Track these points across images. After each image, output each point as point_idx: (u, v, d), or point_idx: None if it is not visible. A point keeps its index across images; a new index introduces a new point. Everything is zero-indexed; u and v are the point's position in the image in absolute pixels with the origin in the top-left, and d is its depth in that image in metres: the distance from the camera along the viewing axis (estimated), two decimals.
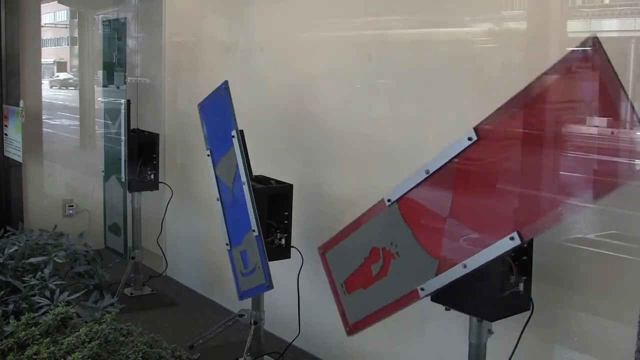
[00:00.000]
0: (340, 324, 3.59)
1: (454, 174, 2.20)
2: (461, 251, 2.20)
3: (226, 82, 3.17)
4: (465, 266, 2.19)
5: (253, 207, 3.15)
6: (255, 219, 3.16)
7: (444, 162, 2.22)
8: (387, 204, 2.41)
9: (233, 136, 3.17)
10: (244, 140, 3.21)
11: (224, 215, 3.36)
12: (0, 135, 5.39)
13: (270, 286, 3.17)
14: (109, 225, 4.94)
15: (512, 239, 2.06)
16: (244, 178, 3.17)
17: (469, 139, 2.12)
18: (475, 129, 2.11)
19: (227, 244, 3.35)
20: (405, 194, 2.36)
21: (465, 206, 2.20)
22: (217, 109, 3.28)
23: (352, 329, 2.69)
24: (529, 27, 2.73)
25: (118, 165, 4.67)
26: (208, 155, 3.37)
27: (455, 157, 2.18)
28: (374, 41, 3.32)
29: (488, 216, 2.16)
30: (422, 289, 2.34)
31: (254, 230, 3.18)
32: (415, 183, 2.31)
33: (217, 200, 3.37)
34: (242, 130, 3.20)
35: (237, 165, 3.18)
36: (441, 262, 2.26)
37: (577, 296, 2.52)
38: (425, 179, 2.28)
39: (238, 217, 3.27)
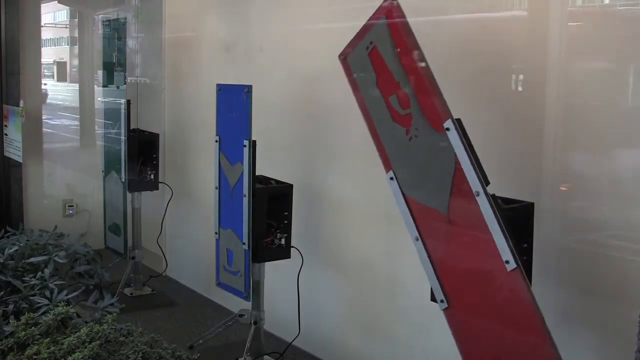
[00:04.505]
0: (340, 324, 3.60)
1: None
2: (429, 231, 2.25)
3: (250, 87, 3.18)
4: (417, 239, 2.27)
5: (248, 222, 3.21)
6: (248, 233, 3.22)
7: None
8: (446, 131, 2.16)
9: (245, 145, 3.19)
10: (255, 151, 3.22)
11: (219, 205, 3.41)
12: (0, 135, 5.39)
13: (247, 298, 3.33)
14: (109, 225, 4.93)
15: (442, 301, 2.26)
16: (245, 191, 3.21)
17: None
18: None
19: (216, 233, 3.43)
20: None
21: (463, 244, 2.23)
22: (235, 107, 3.28)
23: None
24: (529, 27, 2.73)
25: (118, 165, 4.67)
26: (216, 141, 3.38)
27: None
28: None
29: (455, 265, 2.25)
30: (391, 178, 2.35)
31: (244, 244, 3.24)
32: (468, 173, 2.14)
33: (216, 188, 3.40)
34: (255, 141, 3.21)
35: (242, 173, 3.22)
36: (414, 200, 2.28)
37: (577, 296, 2.52)
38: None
39: (232, 216, 3.31)
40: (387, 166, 2.38)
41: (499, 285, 2.13)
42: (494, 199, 2.12)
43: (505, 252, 2.07)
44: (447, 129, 2.16)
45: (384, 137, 2.39)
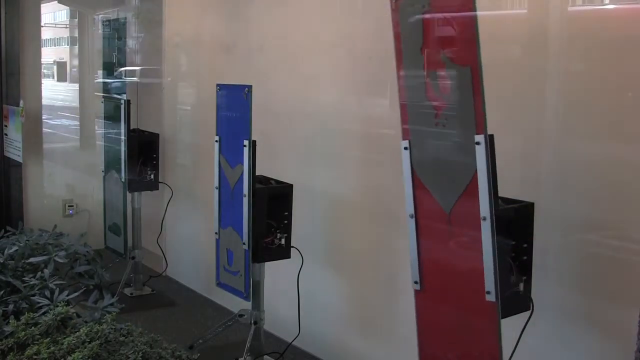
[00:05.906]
0: (340, 324, 3.61)
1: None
2: (426, 220, 2.25)
3: (250, 87, 3.18)
4: (411, 216, 2.27)
5: (248, 223, 3.21)
6: (248, 233, 3.22)
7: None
8: (475, 144, 2.07)
9: (245, 145, 3.20)
10: (255, 151, 3.22)
11: (219, 205, 3.41)
12: (0, 135, 5.39)
13: (247, 298, 3.34)
14: (109, 225, 4.94)
15: (416, 282, 2.30)
16: (245, 191, 3.21)
17: None
18: None
19: (216, 233, 3.43)
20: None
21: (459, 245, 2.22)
22: (235, 107, 3.29)
23: None
24: (529, 26, 2.73)
25: (118, 165, 4.68)
26: (216, 141, 3.38)
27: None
28: (374, 41, 3.32)
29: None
30: (405, 148, 2.27)
31: (244, 244, 3.25)
32: (482, 195, 2.07)
33: (216, 188, 3.40)
34: (255, 141, 3.21)
35: (242, 173, 3.23)
36: (421, 183, 2.26)
37: (577, 296, 2.52)
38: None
39: (233, 216, 3.32)
40: (405, 134, 2.26)
41: (472, 300, 2.14)
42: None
43: (489, 283, 2.06)
44: (477, 143, 2.05)
45: (411, 106, 2.25)
